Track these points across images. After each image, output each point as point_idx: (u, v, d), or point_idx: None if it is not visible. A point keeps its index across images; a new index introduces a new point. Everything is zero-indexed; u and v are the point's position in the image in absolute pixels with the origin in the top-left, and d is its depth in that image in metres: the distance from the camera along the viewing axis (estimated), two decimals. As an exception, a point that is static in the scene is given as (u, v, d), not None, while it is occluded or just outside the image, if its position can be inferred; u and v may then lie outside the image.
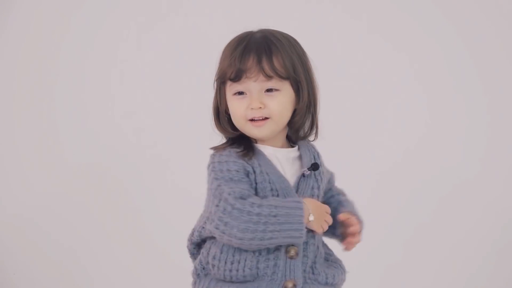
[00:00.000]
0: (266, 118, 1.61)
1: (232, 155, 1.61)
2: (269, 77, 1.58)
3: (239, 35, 1.64)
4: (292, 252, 1.60)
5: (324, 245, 1.73)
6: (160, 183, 2.93)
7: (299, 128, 1.67)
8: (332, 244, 1.74)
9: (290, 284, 1.60)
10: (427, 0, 3.04)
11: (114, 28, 3.07)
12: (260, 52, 1.57)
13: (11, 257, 3.01)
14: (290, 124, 1.67)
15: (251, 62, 1.57)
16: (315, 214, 1.58)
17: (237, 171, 1.59)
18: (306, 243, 1.62)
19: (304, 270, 1.63)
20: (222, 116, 1.66)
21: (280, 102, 1.61)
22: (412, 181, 3.03)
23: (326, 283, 1.65)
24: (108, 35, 3.07)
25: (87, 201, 3.04)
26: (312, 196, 1.64)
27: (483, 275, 2.97)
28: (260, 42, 1.59)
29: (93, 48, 3.07)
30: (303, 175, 1.64)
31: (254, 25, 1.69)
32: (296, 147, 1.70)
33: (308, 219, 1.56)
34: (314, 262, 1.65)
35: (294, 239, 1.55)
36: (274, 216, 1.52)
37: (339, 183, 1.80)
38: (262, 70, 1.57)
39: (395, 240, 2.97)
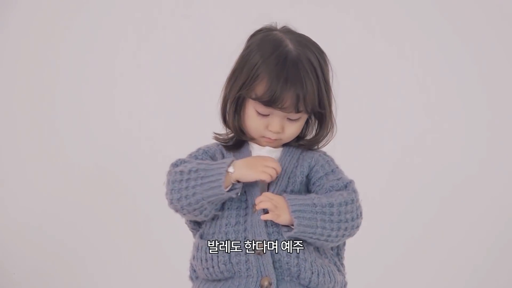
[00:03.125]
0: (278, 140, 1.68)
1: (215, 145, 1.71)
2: (298, 112, 1.62)
3: (274, 45, 1.63)
4: (259, 248, 1.61)
5: (324, 252, 1.69)
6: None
7: (307, 145, 1.71)
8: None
9: (265, 282, 1.61)
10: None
11: (115, 28, 3.07)
12: (298, 89, 1.58)
13: (11, 257, 3.01)
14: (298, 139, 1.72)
15: (289, 101, 1.59)
16: (249, 165, 1.59)
17: (205, 152, 1.69)
18: (275, 239, 1.61)
19: (281, 267, 1.62)
20: (232, 118, 1.68)
21: (296, 129, 1.68)
22: (412, 181, 3.04)
23: (308, 287, 1.63)
24: (109, 35, 3.08)
25: (90, 202, 3.04)
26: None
27: (484, 273, 2.97)
28: (298, 74, 1.59)
29: (95, 48, 3.07)
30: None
31: (255, 27, 1.71)
32: (281, 148, 1.71)
33: (227, 170, 1.57)
34: (297, 264, 1.62)
35: (215, 190, 1.57)
36: (195, 171, 1.58)
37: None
38: (297, 108, 1.60)
39: (396, 239, 2.97)
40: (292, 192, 1.65)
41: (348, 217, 1.60)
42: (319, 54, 1.66)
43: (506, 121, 3.05)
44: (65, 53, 3.07)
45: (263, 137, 1.67)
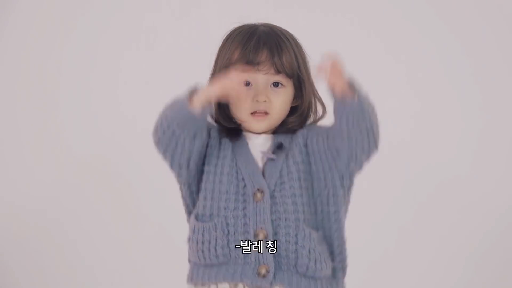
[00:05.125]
0: (266, 113, 1.64)
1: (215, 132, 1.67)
2: (278, 72, 1.62)
3: (243, 27, 1.67)
4: (261, 235, 1.60)
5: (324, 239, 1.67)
6: (166, 177, 2.93)
7: (291, 127, 1.69)
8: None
9: (263, 270, 1.59)
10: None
11: (122, 20, 3.11)
12: (272, 47, 1.61)
13: (12, 257, 3.03)
14: (284, 122, 1.69)
15: (264, 55, 1.60)
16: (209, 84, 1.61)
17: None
18: (278, 226, 1.61)
19: (279, 254, 1.60)
20: (219, 108, 1.67)
21: (283, 100, 1.64)
22: (401, 176, 3.06)
23: (305, 275, 1.61)
24: (115, 27, 3.10)
25: (90, 198, 3.06)
26: (281, 183, 1.63)
27: (472, 270, 3.00)
28: (270, 37, 1.63)
29: (101, 39, 3.10)
30: (271, 159, 1.64)
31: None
32: (275, 135, 1.69)
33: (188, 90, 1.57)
34: (295, 251, 1.61)
35: (178, 107, 1.55)
36: (167, 109, 1.59)
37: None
38: (274, 64, 1.61)
39: (385, 236, 2.99)
40: (295, 163, 1.64)
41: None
42: (295, 37, 1.68)
43: (498, 117, 3.08)
44: (72, 45, 3.10)
45: (253, 113, 1.64)
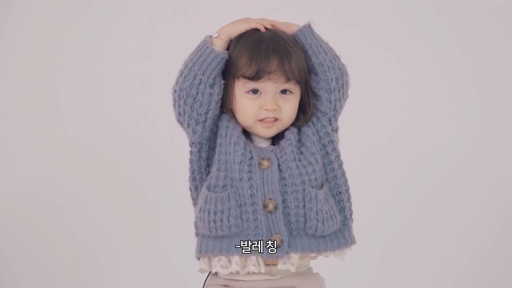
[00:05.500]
0: (276, 120, 1.64)
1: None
2: (288, 80, 1.61)
3: (250, 33, 1.64)
4: (270, 206, 1.60)
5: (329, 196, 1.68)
6: (173, 172, 2.91)
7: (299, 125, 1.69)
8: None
9: (277, 239, 1.59)
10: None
11: (122, 20, 3.12)
12: (282, 55, 1.59)
13: (11, 256, 3.03)
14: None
15: (275, 64, 1.59)
16: (233, 22, 1.66)
17: None
18: (285, 193, 1.61)
19: (290, 221, 1.61)
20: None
21: (293, 107, 1.64)
22: (404, 164, 3.07)
23: (314, 235, 1.62)
24: (122, 20, 3.12)
25: (94, 193, 3.06)
26: (282, 149, 1.64)
27: (483, 255, 2.99)
28: (278, 44, 1.61)
29: (104, 32, 3.11)
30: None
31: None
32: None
33: (210, 36, 1.62)
34: (304, 214, 1.62)
35: (204, 52, 1.60)
36: (191, 54, 1.63)
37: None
38: (284, 72, 1.59)
39: (388, 225, 3.00)
40: (291, 132, 1.66)
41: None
42: (294, 39, 1.66)
43: (498, 107, 3.09)
44: (73, 41, 3.11)
45: (260, 120, 1.63)
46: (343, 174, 1.71)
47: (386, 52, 3.10)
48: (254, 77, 1.60)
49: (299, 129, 1.68)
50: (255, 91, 1.62)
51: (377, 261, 2.96)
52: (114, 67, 3.11)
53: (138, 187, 3.07)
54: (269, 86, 1.61)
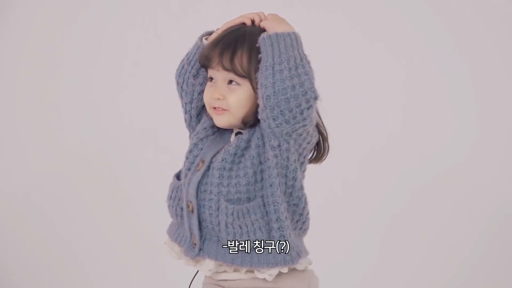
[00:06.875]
0: (224, 110, 1.65)
1: None
2: (227, 70, 1.63)
3: (234, 27, 1.68)
4: (190, 207, 1.66)
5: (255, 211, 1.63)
6: (157, 173, 2.96)
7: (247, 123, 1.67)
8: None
9: (194, 239, 1.66)
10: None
11: (125, 15, 3.13)
12: (226, 46, 1.63)
13: (11, 255, 3.03)
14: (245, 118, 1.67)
15: (217, 52, 1.63)
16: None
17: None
18: (203, 199, 1.63)
19: (206, 227, 1.64)
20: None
21: (238, 98, 1.63)
22: (396, 166, 3.07)
23: (229, 247, 1.63)
24: (117, 22, 3.13)
25: (84, 196, 3.08)
26: (216, 154, 1.66)
27: (472, 261, 2.98)
28: (235, 36, 1.64)
29: (103, 34, 3.13)
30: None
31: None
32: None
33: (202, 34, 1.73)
34: (218, 223, 1.62)
35: (196, 42, 1.71)
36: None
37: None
38: (220, 62, 1.62)
39: (383, 226, 3.00)
40: (239, 139, 1.65)
41: (303, 77, 1.56)
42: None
43: (494, 108, 3.10)
44: (71, 42, 3.13)
45: (213, 108, 1.66)
46: (274, 201, 1.62)
47: (383, 53, 3.11)
48: (201, 63, 1.67)
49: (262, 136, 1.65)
50: (211, 79, 1.68)
51: (373, 259, 2.96)
52: (113, 69, 3.13)
53: (138, 187, 3.09)
54: (217, 75, 1.65)
